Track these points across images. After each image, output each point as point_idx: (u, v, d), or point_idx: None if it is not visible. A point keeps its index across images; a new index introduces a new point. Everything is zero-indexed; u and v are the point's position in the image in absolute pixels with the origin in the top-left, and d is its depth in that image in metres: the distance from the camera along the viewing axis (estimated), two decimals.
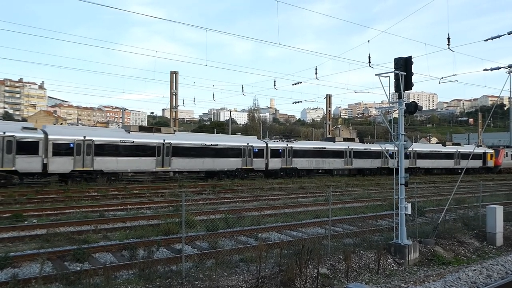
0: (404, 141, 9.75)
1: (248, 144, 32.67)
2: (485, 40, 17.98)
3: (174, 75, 36.90)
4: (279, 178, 33.60)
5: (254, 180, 31.94)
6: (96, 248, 9.71)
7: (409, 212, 9.71)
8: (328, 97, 47.71)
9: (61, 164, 23.98)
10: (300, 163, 35.85)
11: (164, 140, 28.16)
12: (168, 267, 8.16)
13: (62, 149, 24.05)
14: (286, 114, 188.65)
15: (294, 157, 35.35)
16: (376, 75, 9.62)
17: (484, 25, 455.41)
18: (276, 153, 34.35)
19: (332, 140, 41.26)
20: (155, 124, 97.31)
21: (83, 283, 6.84)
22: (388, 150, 38.45)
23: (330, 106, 48.56)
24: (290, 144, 35.57)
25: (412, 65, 9.84)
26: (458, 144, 53.15)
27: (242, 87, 38.16)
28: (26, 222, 12.91)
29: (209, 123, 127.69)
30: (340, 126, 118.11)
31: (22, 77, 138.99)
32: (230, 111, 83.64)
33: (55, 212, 15.09)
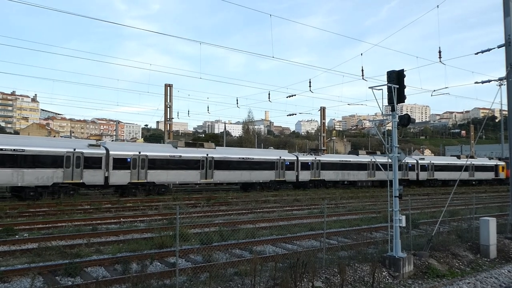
0: (398, 153, 9.82)
1: (280, 157, 34.33)
2: (475, 54, 18.16)
3: (168, 87, 36.96)
4: (308, 189, 34.83)
5: (286, 191, 33.59)
6: (88, 262, 9.58)
7: (403, 224, 9.71)
8: (322, 110, 47.99)
9: (120, 177, 26.02)
10: (328, 175, 37.30)
11: (207, 155, 30.21)
12: (161, 281, 8.07)
13: (121, 163, 26.10)
14: (280, 126, 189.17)
15: (322, 169, 36.81)
16: (369, 88, 9.73)
17: (474, 38, 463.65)
18: (305, 166, 35.84)
19: (356, 153, 43.16)
20: (150, 136, 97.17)
21: None
22: (407, 163, 40.80)
23: (324, 118, 48.81)
24: (318, 157, 36.95)
25: (405, 78, 9.96)
26: (472, 157, 54.08)
27: (237, 100, 38.40)
28: (17, 236, 12.74)
29: (203, 135, 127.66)
30: (334, 138, 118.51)
31: (14, 90, 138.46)
32: (225, 123, 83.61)
33: (47, 225, 14.92)
